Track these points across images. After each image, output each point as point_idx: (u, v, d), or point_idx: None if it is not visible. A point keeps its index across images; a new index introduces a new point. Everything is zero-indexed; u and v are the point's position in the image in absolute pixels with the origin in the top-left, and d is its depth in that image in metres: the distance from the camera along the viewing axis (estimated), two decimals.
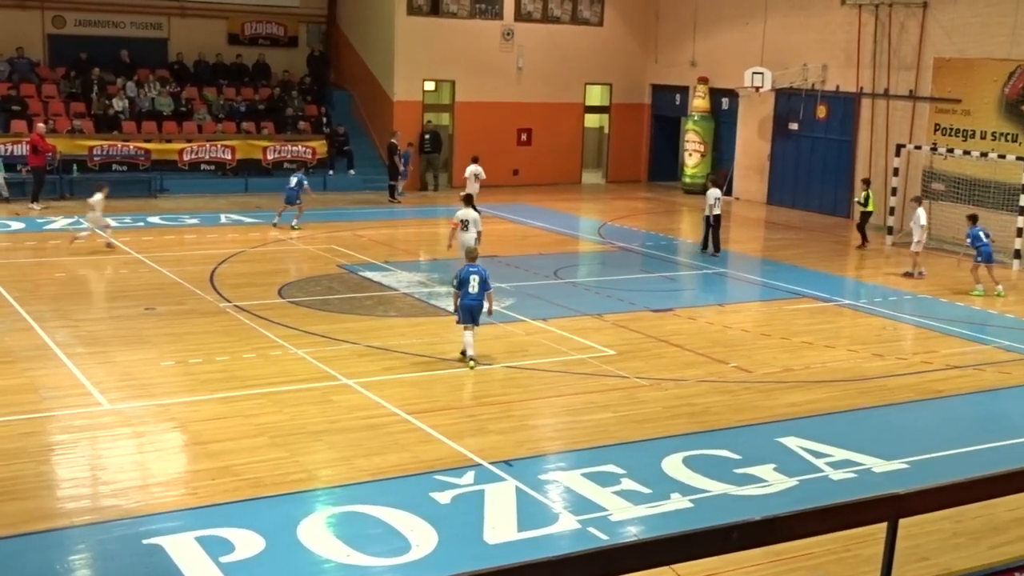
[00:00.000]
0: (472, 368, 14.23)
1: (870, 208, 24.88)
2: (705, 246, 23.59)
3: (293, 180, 24.74)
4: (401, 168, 29.84)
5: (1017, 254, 23.04)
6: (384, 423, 12.14)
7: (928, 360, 15.68)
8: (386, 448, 11.39)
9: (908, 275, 21.73)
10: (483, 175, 26.50)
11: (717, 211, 23.23)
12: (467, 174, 26.45)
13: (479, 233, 18.56)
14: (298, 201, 24.31)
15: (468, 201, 19.57)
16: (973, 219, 20.93)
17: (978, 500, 6.75)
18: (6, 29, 30.22)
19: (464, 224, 18.48)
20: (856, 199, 25.74)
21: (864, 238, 24.81)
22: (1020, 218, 22.97)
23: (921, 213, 21.78)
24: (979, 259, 20.25)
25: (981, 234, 20.35)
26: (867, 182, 25.29)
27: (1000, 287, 20.24)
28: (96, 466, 10.81)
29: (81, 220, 22.12)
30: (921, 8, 26.78)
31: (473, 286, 14.17)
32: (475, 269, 14.28)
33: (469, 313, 14.28)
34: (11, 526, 9.30)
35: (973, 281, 20.28)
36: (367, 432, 11.85)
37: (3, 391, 12.77)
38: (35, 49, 30.96)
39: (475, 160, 26.76)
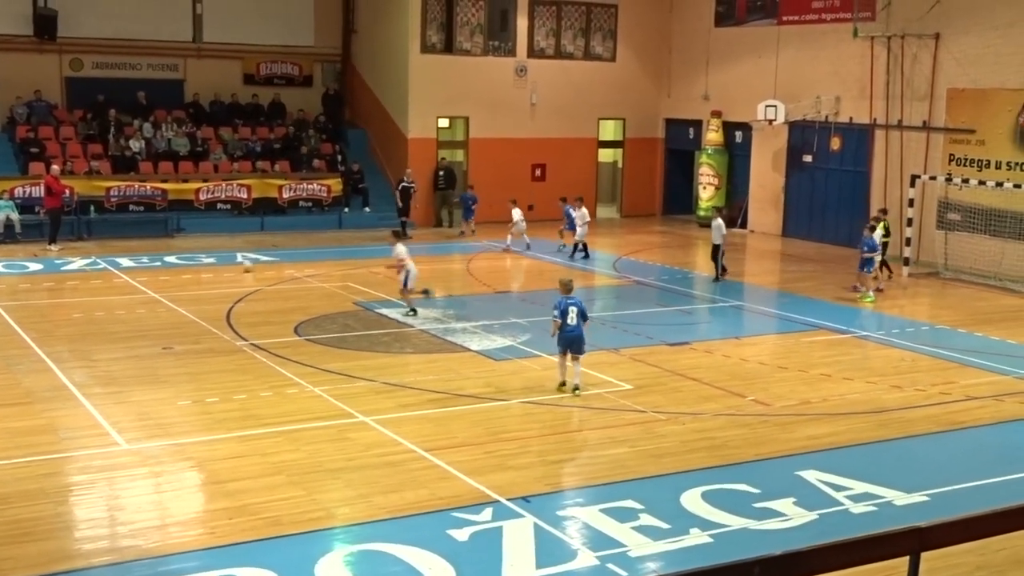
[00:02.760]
0: (577, 395, 14.61)
1: (887, 239, 24.77)
2: (716, 275, 24.14)
3: None
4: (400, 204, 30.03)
5: None
6: (401, 460, 12.13)
7: (947, 391, 15.59)
8: (404, 485, 11.36)
9: (855, 289, 22.66)
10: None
11: (717, 240, 23.95)
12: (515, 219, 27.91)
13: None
14: None
15: (399, 236, 20.37)
16: (871, 229, 22.59)
17: (1002, 532, 6.69)
18: (24, 72, 30.53)
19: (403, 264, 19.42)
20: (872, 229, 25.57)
21: (887, 269, 24.68)
22: None
23: (878, 235, 22.77)
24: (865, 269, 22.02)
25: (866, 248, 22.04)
26: (884, 211, 25.21)
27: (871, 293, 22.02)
28: (114, 506, 10.82)
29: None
30: (933, 39, 26.83)
31: (572, 318, 14.54)
32: (573, 301, 14.72)
33: (570, 343, 14.67)
34: (31, 567, 9.30)
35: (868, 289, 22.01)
36: (384, 469, 11.83)
37: (22, 432, 12.81)
38: (53, 92, 31.27)
39: (515, 203, 28.30)
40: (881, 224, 24.50)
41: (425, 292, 20.08)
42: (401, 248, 19.71)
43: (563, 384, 14.86)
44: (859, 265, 22.36)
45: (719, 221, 24.13)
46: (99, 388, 14.66)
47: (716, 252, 24.10)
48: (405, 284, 19.63)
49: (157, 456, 12.13)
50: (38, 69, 30.82)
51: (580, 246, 26.68)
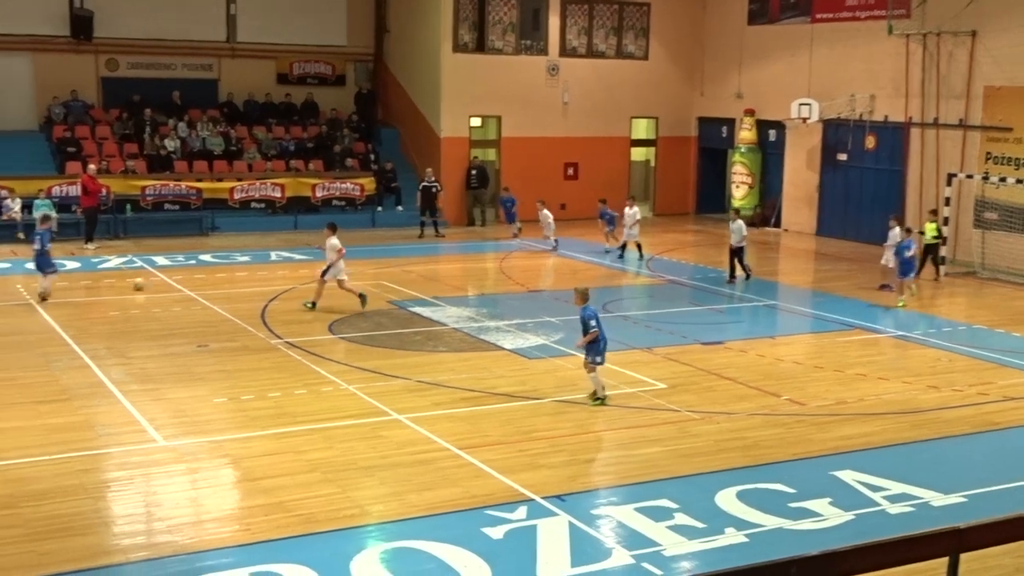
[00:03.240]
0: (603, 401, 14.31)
1: (932, 239, 24.48)
2: (745, 272, 23.80)
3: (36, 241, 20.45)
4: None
5: None
6: (435, 458, 12.15)
7: (984, 392, 15.44)
8: (437, 483, 11.39)
9: (884, 287, 22.50)
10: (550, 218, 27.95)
11: (735, 242, 23.61)
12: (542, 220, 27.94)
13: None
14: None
15: (334, 229, 19.96)
16: (907, 231, 22.15)
17: None
18: (61, 73, 30.84)
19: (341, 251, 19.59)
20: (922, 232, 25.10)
21: (936, 270, 24.45)
22: None
23: (897, 232, 22.32)
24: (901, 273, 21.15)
25: (904, 249, 21.16)
26: (934, 212, 24.88)
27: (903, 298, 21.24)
28: (151, 502, 10.90)
29: None
30: (970, 36, 26.59)
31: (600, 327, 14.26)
32: (596, 310, 14.43)
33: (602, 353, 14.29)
34: (71, 562, 9.40)
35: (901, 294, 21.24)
36: (418, 467, 11.86)
37: (61, 428, 12.94)
38: (89, 92, 31.55)
39: (543, 203, 28.30)
40: (933, 225, 24.28)
41: (361, 297, 19.67)
42: (335, 241, 19.65)
43: (603, 399, 14.32)
44: (899, 270, 21.35)
45: (739, 223, 23.72)
46: (136, 385, 14.78)
47: (735, 254, 23.67)
48: (325, 272, 19.62)
49: (193, 453, 12.22)
50: (75, 69, 31.11)
51: (635, 246, 26.58)
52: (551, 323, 19.05)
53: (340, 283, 19.75)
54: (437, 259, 26.82)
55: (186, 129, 31.38)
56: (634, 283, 24.31)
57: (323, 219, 29.71)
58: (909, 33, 27.84)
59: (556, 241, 27.57)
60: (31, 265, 21.09)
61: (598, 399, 14.25)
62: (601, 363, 14.26)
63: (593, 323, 14.13)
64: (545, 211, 27.93)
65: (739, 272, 23.74)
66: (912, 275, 21.54)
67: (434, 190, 29.78)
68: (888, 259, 22.30)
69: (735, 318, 20.94)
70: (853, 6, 29.89)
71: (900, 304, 21.15)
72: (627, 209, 26.43)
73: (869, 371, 16.46)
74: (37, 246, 20.32)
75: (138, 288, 21.39)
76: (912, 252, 21.59)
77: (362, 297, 19.66)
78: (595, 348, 14.18)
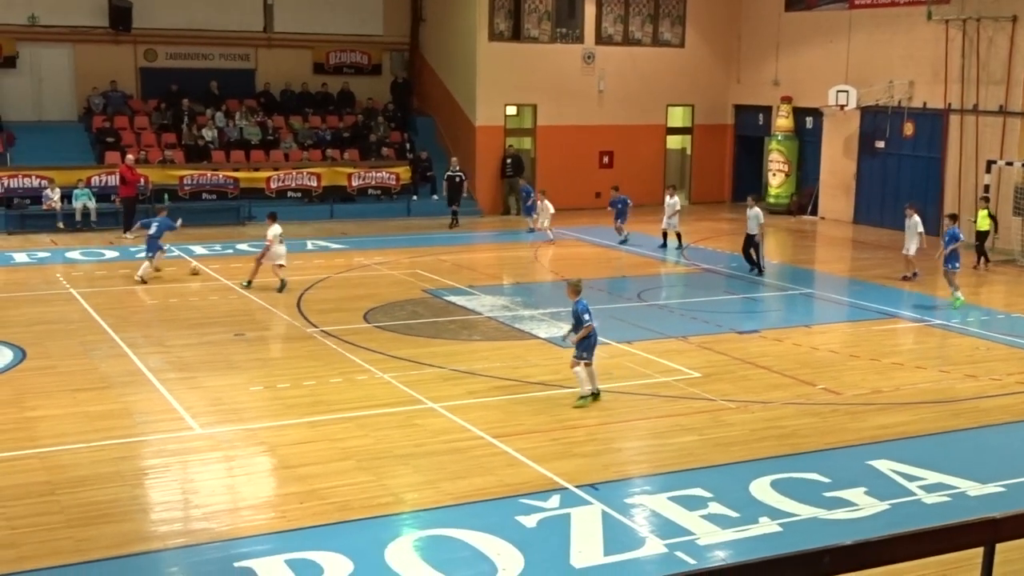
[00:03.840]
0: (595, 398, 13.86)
1: (984, 227, 24.22)
2: (757, 266, 23.19)
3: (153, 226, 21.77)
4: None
5: None
6: (469, 447, 12.19)
7: (1023, 380, 15.29)
8: (471, 472, 11.42)
9: (906, 278, 22.10)
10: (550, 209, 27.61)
11: (753, 230, 22.99)
12: (541, 211, 27.75)
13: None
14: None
15: (275, 218, 21.13)
16: (953, 218, 20.93)
17: None
18: (101, 64, 31.12)
19: (279, 239, 20.73)
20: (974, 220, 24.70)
21: (985, 258, 24.18)
22: None
23: (917, 220, 22.05)
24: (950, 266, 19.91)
25: (948, 238, 20.17)
26: (986, 199, 24.56)
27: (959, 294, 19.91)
28: (188, 490, 11.01)
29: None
30: (1011, 22, 26.26)
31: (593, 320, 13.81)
32: (588, 303, 13.92)
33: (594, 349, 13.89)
34: (108, 548, 9.51)
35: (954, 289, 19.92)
36: (452, 456, 11.90)
37: (99, 416, 13.09)
38: (128, 82, 31.80)
39: (543, 193, 28.10)
40: (985, 212, 24.01)
41: (282, 283, 20.49)
42: (276, 228, 20.67)
43: (596, 394, 13.87)
44: (945, 260, 20.00)
45: (756, 209, 23.02)
46: (173, 373, 14.92)
47: (749, 243, 23.08)
48: (262, 256, 20.74)
49: (229, 440, 12.33)
50: (114, 60, 31.38)
51: (675, 236, 26.14)
52: None
53: (275, 266, 20.64)
54: (472, 248, 26.85)
55: (223, 119, 31.58)
56: (670, 272, 24.24)
57: (360, 209, 30.14)
58: (948, 19, 27.53)
59: (551, 233, 27.29)
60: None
61: (583, 398, 13.73)
62: (588, 360, 13.71)
63: (587, 317, 13.62)
64: (545, 202, 27.68)
65: (760, 268, 23.08)
66: (957, 267, 20.02)
67: (458, 179, 29.71)
68: (909, 248, 22.05)
69: (770, 307, 20.84)
70: None
71: (957, 303, 19.69)
72: (667, 199, 26.18)
73: (906, 360, 16.34)
74: (152, 231, 21.55)
75: (194, 272, 22.05)
76: (958, 243, 20.14)
77: (283, 283, 20.48)
78: (586, 344, 13.64)
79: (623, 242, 26.58)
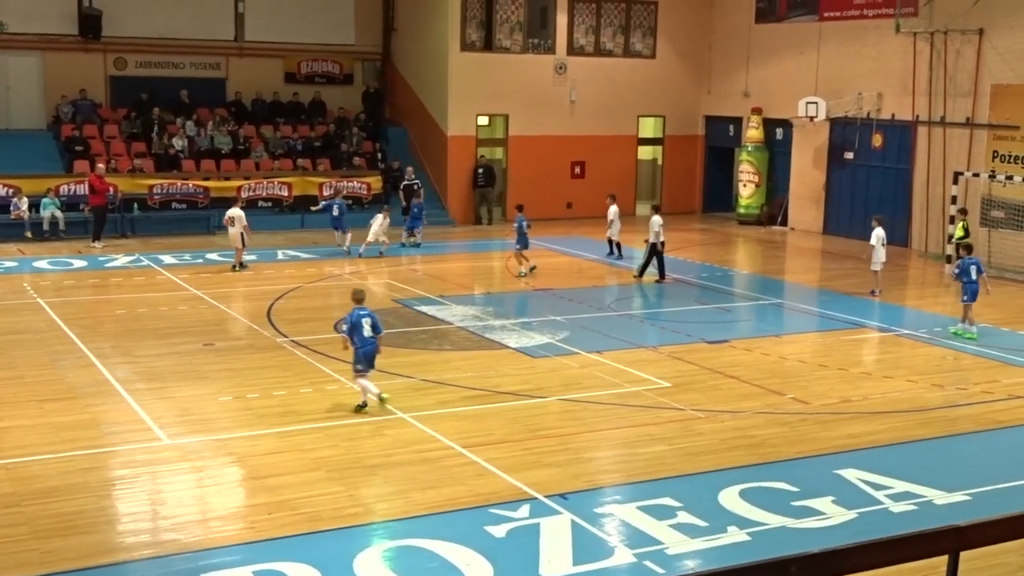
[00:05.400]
0: (385, 402, 13.70)
1: (967, 239, 24.27)
2: (642, 272, 23.48)
3: (335, 209, 26.52)
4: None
5: None
6: (439, 457, 12.18)
7: (989, 390, 15.43)
8: (441, 482, 11.41)
9: (874, 293, 21.98)
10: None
11: (663, 238, 23.20)
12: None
13: (245, 227, 23.22)
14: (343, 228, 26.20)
15: (235, 202, 23.86)
16: (968, 248, 19.32)
17: None
18: (70, 72, 30.92)
19: (231, 220, 22.94)
20: (952, 233, 24.59)
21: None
22: None
23: (880, 232, 21.93)
24: (966, 298, 18.57)
25: (973, 269, 18.58)
26: (964, 212, 24.70)
27: (975, 328, 18.59)
28: (156, 500, 10.94)
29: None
30: (977, 35, 26.54)
31: (367, 330, 13.69)
32: (365, 313, 13.80)
33: (369, 359, 13.75)
34: (74, 560, 9.43)
35: (964, 320, 18.74)
36: (422, 466, 11.88)
37: (66, 427, 12.98)
38: (97, 91, 31.62)
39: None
40: (960, 224, 24.15)
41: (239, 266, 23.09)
42: (232, 211, 23.52)
43: (364, 406, 13.68)
44: (963, 294, 18.67)
45: (657, 218, 23.13)
46: (142, 384, 14.83)
47: (652, 252, 23.15)
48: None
49: (198, 451, 12.26)
50: (83, 68, 31.20)
51: (612, 243, 26.27)
52: (556, 321, 19.07)
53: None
54: (444, 258, 26.83)
55: (194, 128, 31.45)
56: (640, 282, 24.29)
57: (330, 218, 29.91)
58: (917, 31, 27.80)
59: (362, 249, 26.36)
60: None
61: (360, 406, 13.67)
62: (363, 371, 13.68)
63: (344, 328, 13.83)
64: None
65: (662, 274, 23.26)
66: (973, 300, 18.65)
67: (415, 187, 29.49)
68: (875, 263, 22.09)
69: (740, 317, 20.94)
70: (861, 4, 29.85)
71: (971, 335, 18.40)
72: (610, 208, 26.17)
73: (874, 370, 16.46)
74: (336, 212, 25.91)
75: (244, 267, 23.51)
76: (977, 275, 18.69)
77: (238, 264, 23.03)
78: (357, 357, 13.68)
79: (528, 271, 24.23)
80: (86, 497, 10.83)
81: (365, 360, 13.75)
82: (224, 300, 20.30)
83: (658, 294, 22.93)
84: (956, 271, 19.25)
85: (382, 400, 13.73)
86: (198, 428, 13.04)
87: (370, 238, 25.67)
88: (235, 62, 33.23)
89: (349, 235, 25.82)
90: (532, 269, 23.56)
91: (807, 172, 31.94)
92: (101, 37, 30.82)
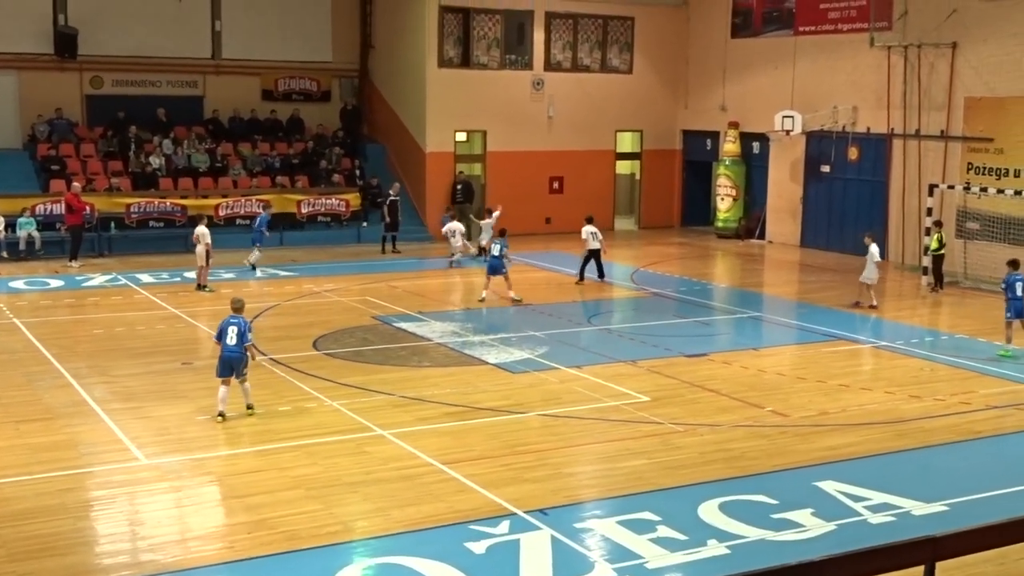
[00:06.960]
0: (251, 412, 14.14)
1: (942, 251, 24.41)
2: (582, 277, 24.66)
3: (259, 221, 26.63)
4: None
5: None
6: (419, 473, 12.16)
7: (967, 401, 15.52)
8: (421, 499, 11.39)
9: (857, 305, 22.11)
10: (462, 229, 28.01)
11: (595, 245, 24.40)
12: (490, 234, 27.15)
13: (207, 245, 22.89)
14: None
15: (200, 219, 23.74)
16: (1014, 264, 18.50)
17: (1018, 542, 6.69)
18: (46, 90, 30.82)
19: (198, 238, 22.84)
20: (928, 245, 24.63)
21: (939, 281, 24.36)
22: None
23: (874, 251, 22.15)
24: (1010, 315, 18.11)
25: (1019, 285, 17.94)
26: (939, 224, 24.81)
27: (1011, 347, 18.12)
28: (134, 521, 10.88)
29: None
30: (951, 48, 26.77)
31: (232, 338, 13.91)
32: (235, 320, 14.05)
33: (227, 366, 13.98)
34: None
35: (1004, 339, 18.28)
36: (402, 483, 11.86)
37: (43, 447, 12.90)
38: (74, 110, 31.52)
39: (490, 211, 28.38)
40: (936, 236, 24.27)
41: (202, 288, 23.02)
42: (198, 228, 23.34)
43: (223, 415, 13.92)
44: (1007, 311, 18.11)
45: (592, 227, 24.57)
46: (119, 403, 14.76)
47: (592, 256, 24.48)
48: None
49: (176, 471, 12.20)
50: (59, 87, 31.10)
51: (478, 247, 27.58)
52: (535, 337, 19.08)
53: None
54: (422, 274, 26.82)
55: (171, 146, 31.38)
56: (619, 296, 24.36)
57: (309, 236, 30.00)
58: (891, 45, 28.02)
59: (455, 258, 27.59)
60: None
61: (221, 414, 13.98)
62: (222, 376, 14.04)
63: (215, 334, 14.31)
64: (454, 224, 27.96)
65: (581, 277, 24.63)
66: (1018, 317, 18.01)
67: (399, 203, 29.58)
68: (868, 277, 22.21)
69: (719, 330, 21.00)
70: (835, 19, 30.08)
71: (1007, 353, 17.99)
72: (485, 219, 27.61)
73: (852, 382, 16.53)
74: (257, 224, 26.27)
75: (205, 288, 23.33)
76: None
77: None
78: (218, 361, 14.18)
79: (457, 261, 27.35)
80: (63, 518, 10.76)
81: (221, 366, 14.03)
82: (202, 318, 20.22)
83: (636, 308, 22.98)
84: (1002, 286, 18.54)
85: (217, 418, 13.95)
86: (176, 447, 12.98)
87: (459, 248, 27.17)
88: (212, 80, 33.18)
89: (258, 253, 25.88)
90: (482, 300, 22.82)
91: (784, 185, 32.11)
92: (77, 56, 30.72)
